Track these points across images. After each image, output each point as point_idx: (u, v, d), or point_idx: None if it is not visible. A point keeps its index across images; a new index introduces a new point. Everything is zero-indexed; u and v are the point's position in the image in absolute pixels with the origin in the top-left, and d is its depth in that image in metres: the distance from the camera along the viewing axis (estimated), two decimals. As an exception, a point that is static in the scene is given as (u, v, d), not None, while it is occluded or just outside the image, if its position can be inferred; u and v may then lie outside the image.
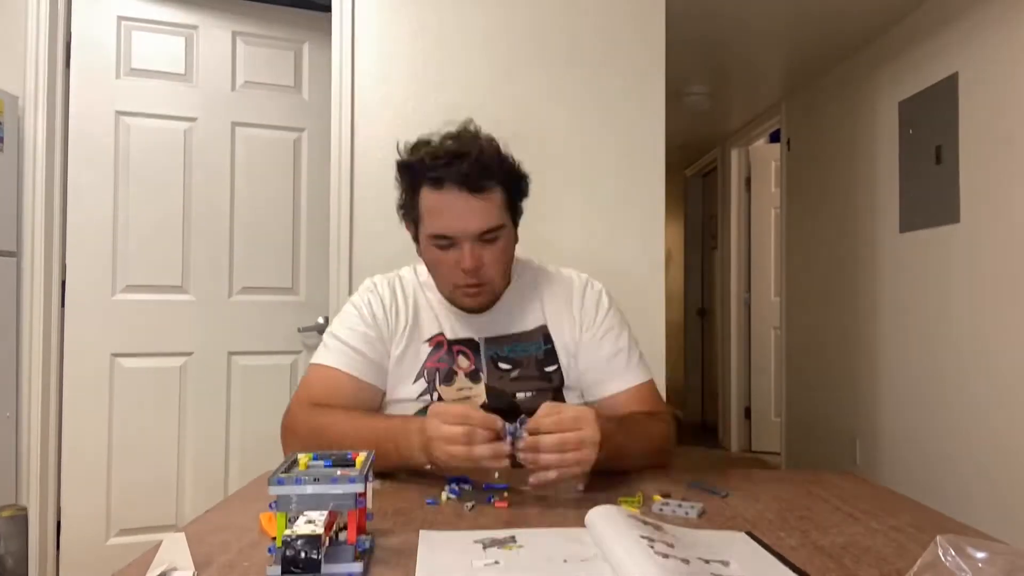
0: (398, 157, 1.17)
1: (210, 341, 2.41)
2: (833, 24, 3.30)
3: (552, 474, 0.91)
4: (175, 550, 0.72)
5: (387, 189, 2.31)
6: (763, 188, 5.08)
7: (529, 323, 1.25)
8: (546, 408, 0.95)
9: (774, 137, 4.78)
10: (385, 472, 1.05)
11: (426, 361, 1.22)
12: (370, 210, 2.25)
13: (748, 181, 5.25)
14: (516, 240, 1.23)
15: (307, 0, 2.50)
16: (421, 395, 1.20)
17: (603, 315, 1.26)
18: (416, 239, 1.20)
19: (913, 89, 3.11)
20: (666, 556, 0.63)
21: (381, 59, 2.28)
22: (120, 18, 2.34)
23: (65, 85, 2.26)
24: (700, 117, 4.64)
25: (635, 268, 2.33)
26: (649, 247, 2.36)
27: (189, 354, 2.39)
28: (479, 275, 1.14)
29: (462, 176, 1.09)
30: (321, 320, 2.42)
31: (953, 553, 0.56)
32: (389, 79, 2.28)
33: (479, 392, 1.20)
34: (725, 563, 0.68)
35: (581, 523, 0.78)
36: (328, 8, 2.27)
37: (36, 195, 2.19)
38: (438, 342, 1.22)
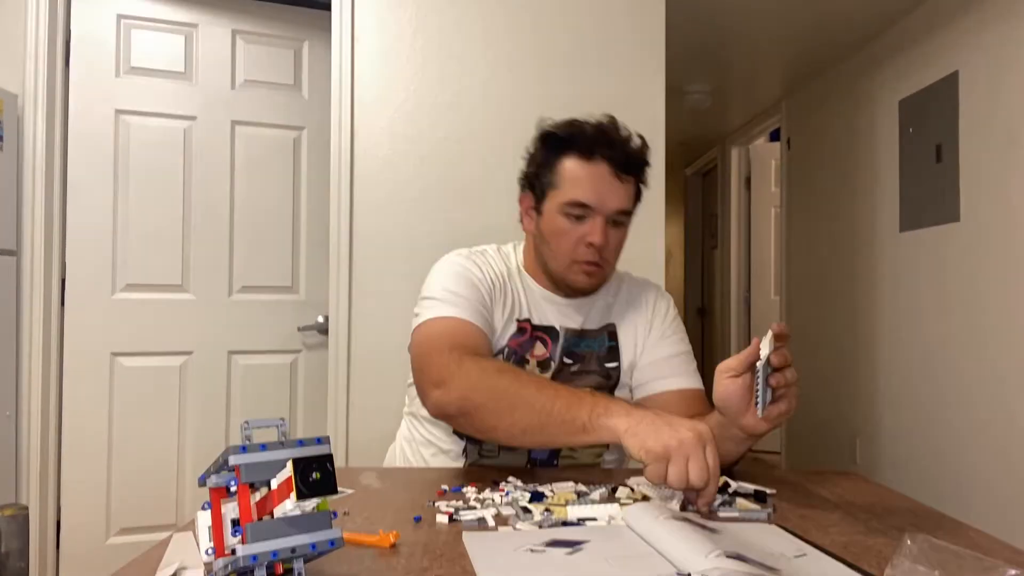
0: (544, 125, 1.22)
1: (210, 340, 2.41)
2: (833, 23, 3.30)
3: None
4: (184, 549, 0.71)
5: (387, 186, 2.32)
6: (763, 187, 5.08)
7: (600, 320, 1.28)
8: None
9: (774, 136, 4.78)
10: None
11: (510, 339, 1.22)
12: (370, 208, 2.24)
13: (748, 180, 5.25)
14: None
15: (307, -1, 2.50)
16: None
17: (671, 320, 1.31)
18: (535, 210, 1.21)
19: (913, 88, 3.11)
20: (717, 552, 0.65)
21: (381, 57, 2.28)
22: (120, 16, 2.34)
23: (65, 84, 2.25)
24: (700, 116, 4.64)
25: (635, 267, 2.31)
26: (649, 246, 2.35)
27: (189, 353, 2.39)
28: (601, 254, 1.16)
29: (614, 154, 1.14)
30: (321, 319, 2.42)
31: (920, 551, 0.56)
32: (389, 78, 2.28)
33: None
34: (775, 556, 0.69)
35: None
36: (328, 6, 2.27)
37: (36, 194, 2.18)
38: (522, 327, 1.23)
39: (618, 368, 1.26)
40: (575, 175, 1.15)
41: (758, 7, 3.14)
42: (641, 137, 1.20)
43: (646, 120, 2.37)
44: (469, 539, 0.76)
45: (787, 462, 4.38)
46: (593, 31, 2.36)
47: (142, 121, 2.36)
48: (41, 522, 2.18)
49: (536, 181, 1.21)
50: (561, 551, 0.70)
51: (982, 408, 2.66)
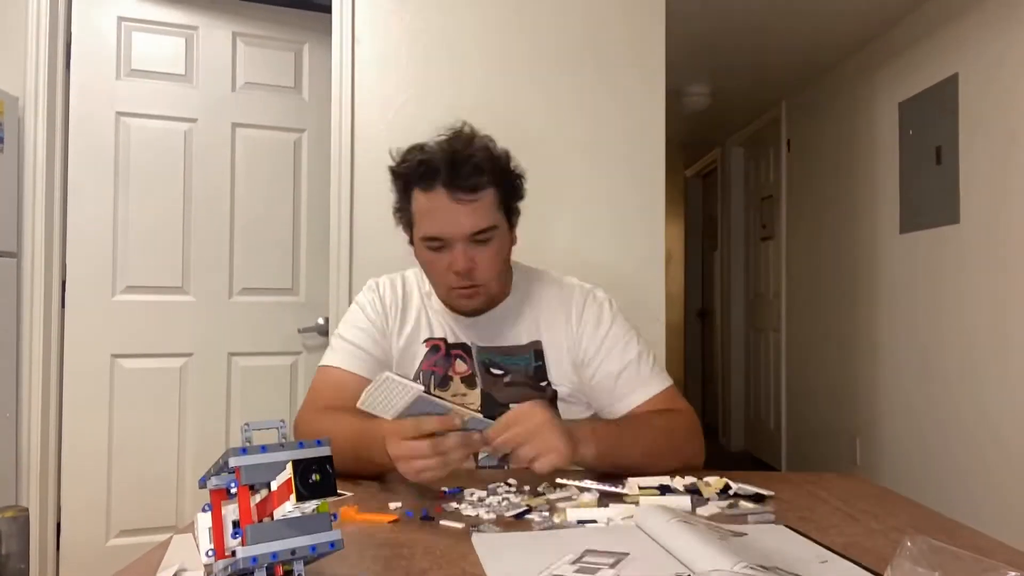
0: (391, 163, 1.16)
1: (210, 342, 2.41)
2: (833, 24, 3.31)
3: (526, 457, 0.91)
4: (184, 550, 0.72)
5: (387, 189, 2.31)
6: (763, 189, 5.09)
7: (523, 336, 1.23)
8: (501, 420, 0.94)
9: (774, 137, 4.78)
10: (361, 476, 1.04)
11: (422, 363, 1.23)
12: (370, 210, 2.24)
13: (748, 181, 5.25)
14: (513, 241, 1.21)
15: (307, 1, 2.50)
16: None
17: (605, 329, 1.21)
18: (412, 243, 1.20)
19: (913, 90, 3.11)
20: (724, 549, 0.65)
21: (381, 60, 2.28)
22: (120, 19, 2.34)
23: (65, 86, 2.26)
24: (700, 117, 4.64)
25: (635, 269, 2.33)
26: (649, 248, 2.35)
27: (189, 355, 2.39)
28: (472, 277, 1.13)
29: (450, 177, 1.08)
30: (321, 321, 2.42)
31: (920, 553, 0.57)
32: (389, 80, 2.28)
33: (474, 398, 1.20)
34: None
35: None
36: (328, 9, 2.27)
37: (36, 196, 2.18)
38: (435, 345, 1.23)
39: (549, 387, 1.21)
40: (422, 209, 1.12)
41: (758, 8, 3.14)
42: (489, 140, 1.16)
43: (646, 121, 2.38)
44: (479, 542, 0.76)
45: (787, 463, 4.38)
46: (593, 32, 2.37)
47: (142, 123, 2.36)
48: (41, 524, 2.18)
49: (402, 216, 1.19)
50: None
51: (982, 409, 2.66)
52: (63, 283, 2.26)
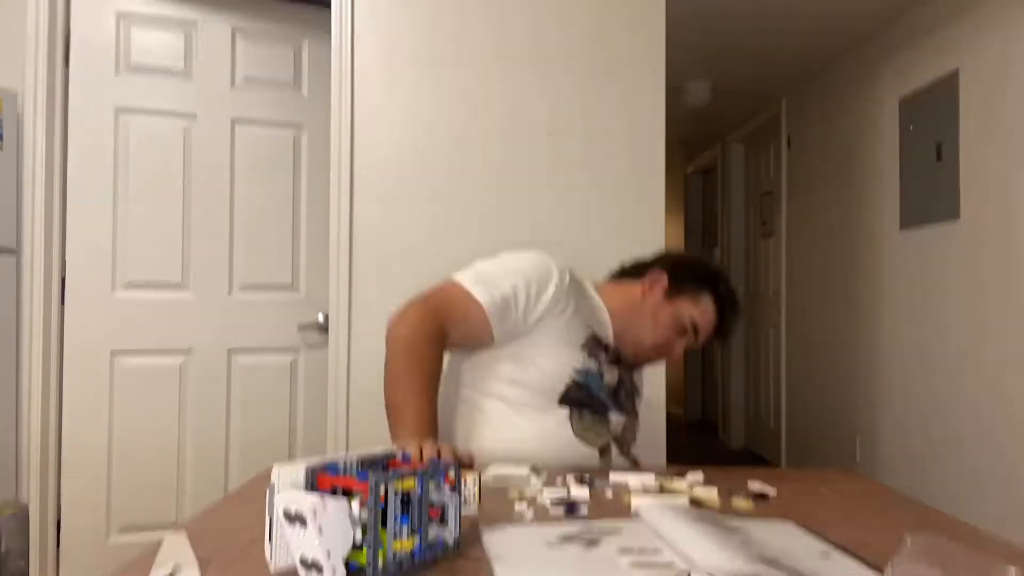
0: (711, 269, 1.46)
1: (210, 338, 2.40)
2: (834, 21, 3.30)
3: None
4: (177, 549, 0.71)
5: (387, 184, 2.32)
6: (763, 186, 5.09)
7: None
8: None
9: (775, 134, 4.78)
10: None
11: (585, 343, 1.31)
12: (370, 206, 2.24)
13: (748, 178, 5.25)
14: None
15: (307, -3, 2.49)
16: (583, 366, 1.29)
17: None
18: (665, 294, 1.37)
19: (914, 86, 3.11)
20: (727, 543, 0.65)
21: (381, 55, 2.28)
22: (119, 14, 2.33)
23: (64, 81, 2.25)
24: (700, 114, 4.64)
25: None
26: (649, 245, 2.34)
27: (189, 351, 2.39)
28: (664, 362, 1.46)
29: (728, 327, 1.42)
30: (321, 317, 2.42)
31: (920, 550, 0.57)
32: (389, 76, 2.28)
33: (614, 373, 1.36)
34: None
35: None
36: (328, 4, 2.27)
37: (36, 192, 2.18)
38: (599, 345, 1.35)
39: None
40: (706, 311, 1.37)
41: (759, 5, 3.14)
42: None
43: (646, 119, 2.38)
44: (487, 533, 0.76)
45: (787, 461, 4.38)
46: (593, 30, 2.36)
47: (142, 119, 2.35)
48: (41, 521, 2.18)
49: (683, 286, 1.37)
50: (577, 546, 0.70)
51: (982, 407, 2.66)
52: (63, 279, 2.26)
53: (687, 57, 3.66)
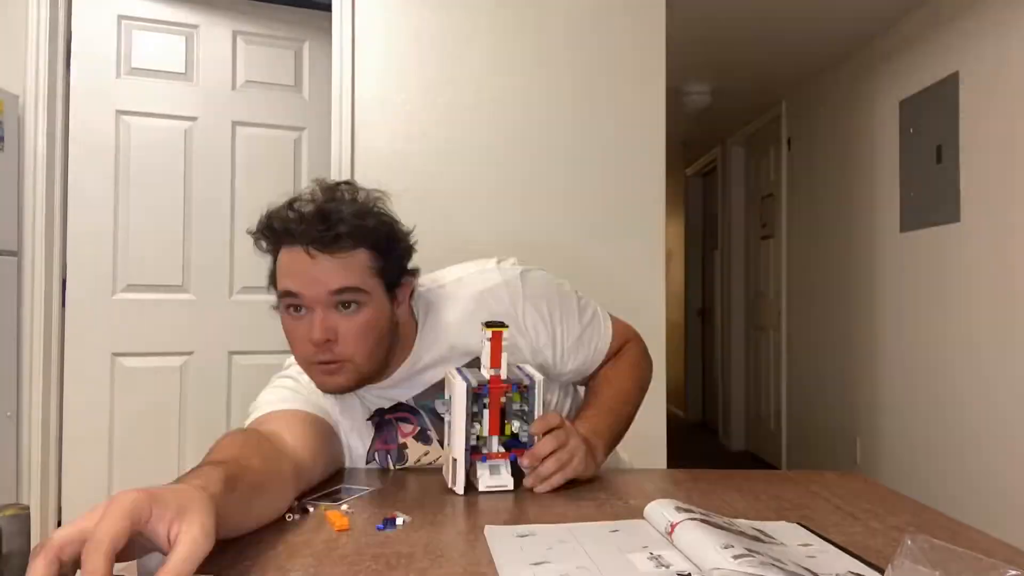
0: (261, 222, 1.03)
1: (211, 340, 2.41)
2: (834, 23, 3.30)
3: (555, 481, 0.96)
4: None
5: (387, 187, 2.31)
6: (763, 187, 5.10)
7: (450, 361, 1.08)
8: (540, 424, 0.97)
9: (775, 136, 4.78)
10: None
11: (371, 447, 1.09)
12: (370, 209, 2.24)
13: (748, 180, 5.25)
14: (392, 317, 1.03)
15: (307, -1, 2.50)
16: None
17: (535, 311, 1.10)
18: (278, 306, 1.05)
19: (913, 88, 3.11)
20: (730, 545, 0.65)
21: (381, 58, 2.28)
22: (120, 17, 2.34)
23: (65, 84, 2.26)
24: (700, 116, 4.64)
25: (635, 268, 2.33)
26: (649, 247, 2.36)
27: (189, 353, 2.39)
28: (332, 350, 0.97)
29: (313, 232, 0.95)
30: (321, 319, 2.42)
31: (920, 552, 0.57)
32: (389, 78, 2.28)
33: (439, 451, 1.08)
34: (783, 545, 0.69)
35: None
36: (328, 7, 2.27)
37: (37, 195, 2.19)
38: (376, 423, 1.09)
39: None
40: (282, 265, 1.00)
41: (759, 7, 3.14)
42: (376, 198, 1.04)
43: (646, 121, 2.38)
44: (491, 534, 0.76)
45: (788, 462, 4.38)
46: (593, 31, 2.37)
47: (143, 122, 2.36)
48: (42, 522, 2.18)
49: (271, 279, 1.06)
50: (581, 546, 0.71)
51: (982, 408, 2.66)
52: (63, 281, 2.26)
53: (687, 59, 3.66)
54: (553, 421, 0.97)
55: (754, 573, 0.60)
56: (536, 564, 0.67)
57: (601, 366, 1.20)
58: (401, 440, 1.09)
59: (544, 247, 2.20)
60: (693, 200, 6.40)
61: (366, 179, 2.33)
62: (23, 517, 0.76)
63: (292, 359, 1.09)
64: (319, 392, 1.03)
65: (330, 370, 0.99)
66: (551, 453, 0.95)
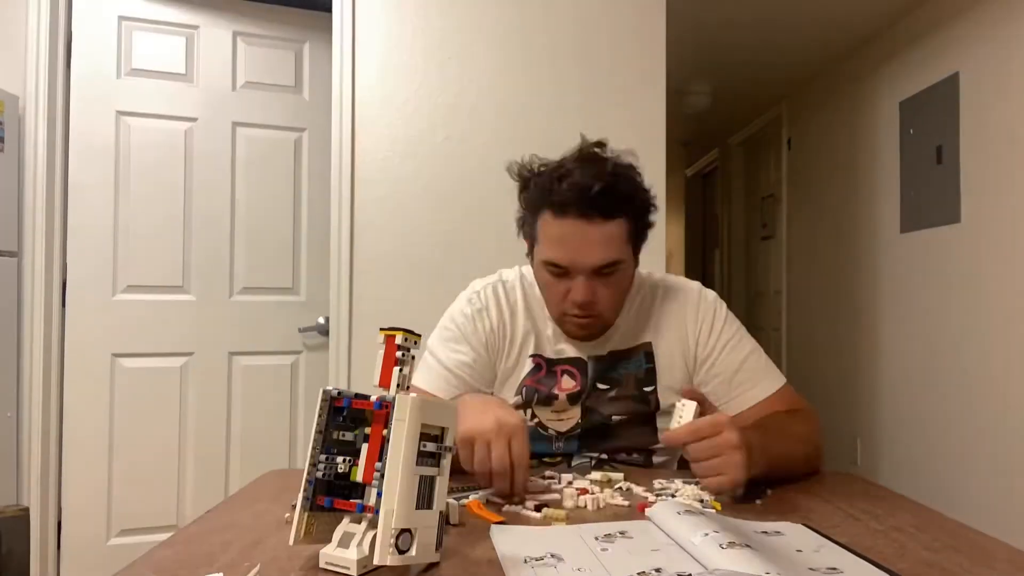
0: (523, 171, 1.12)
1: (211, 341, 2.41)
2: (834, 24, 3.30)
3: (710, 482, 0.89)
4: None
5: (388, 187, 2.32)
6: (764, 188, 5.09)
7: (635, 339, 1.20)
8: (686, 426, 0.92)
9: (775, 136, 4.78)
10: None
11: (525, 378, 1.18)
12: (370, 209, 2.25)
13: (749, 181, 5.25)
14: (633, 275, 1.19)
15: (308, 0, 2.50)
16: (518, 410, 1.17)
17: (720, 326, 1.19)
18: (530, 254, 1.16)
19: (914, 89, 3.11)
20: (733, 544, 0.65)
21: (382, 59, 2.28)
22: (121, 18, 2.34)
23: (66, 85, 2.26)
24: (700, 116, 4.64)
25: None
26: (650, 247, 2.33)
27: (190, 354, 2.39)
28: (591, 308, 1.09)
29: (587, 205, 1.03)
30: (322, 320, 2.42)
31: None
32: (390, 79, 2.28)
33: (574, 414, 1.17)
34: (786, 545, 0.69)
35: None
36: (329, 8, 2.27)
37: (37, 195, 2.19)
38: (538, 363, 1.19)
39: (655, 391, 1.17)
40: (550, 234, 1.07)
41: (759, 7, 3.14)
42: (631, 166, 1.11)
43: (646, 120, 2.38)
44: (496, 533, 0.76)
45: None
46: (593, 32, 2.37)
47: (143, 122, 2.36)
48: (42, 523, 2.18)
49: (525, 229, 1.16)
50: (585, 547, 0.71)
51: (983, 409, 2.66)
52: (64, 282, 2.26)
53: (688, 60, 3.66)
54: (704, 431, 0.90)
55: (755, 573, 0.60)
56: (541, 564, 0.67)
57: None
58: (555, 390, 1.17)
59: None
60: (693, 200, 6.40)
61: (366, 179, 2.34)
62: (23, 518, 0.76)
63: (472, 292, 1.22)
64: (493, 334, 1.18)
65: (584, 324, 1.13)
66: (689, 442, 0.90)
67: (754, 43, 3.57)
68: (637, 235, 1.13)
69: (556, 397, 1.17)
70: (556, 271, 1.09)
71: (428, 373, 1.17)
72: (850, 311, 3.67)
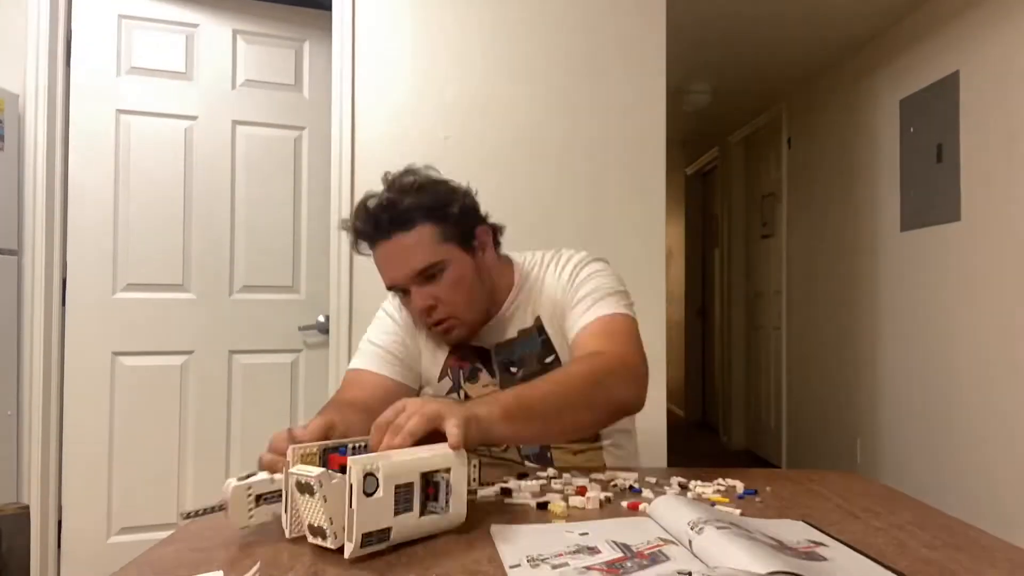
0: (343, 224, 1.23)
1: (211, 339, 2.41)
2: (834, 22, 3.30)
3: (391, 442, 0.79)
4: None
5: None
6: (764, 187, 5.09)
7: (528, 319, 1.24)
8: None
9: (775, 135, 4.78)
10: None
11: (448, 360, 1.24)
12: (371, 208, 2.24)
13: (749, 179, 5.25)
14: (476, 266, 1.17)
15: (308, -2, 2.50)
16: (448, 393, 1.24)
17: (572, 270, 1.21)
18: None
19: (914, 87, 3.11)
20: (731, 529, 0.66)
21: (382, 57, 2.28)
22: (121, 16, 2.34)
23: (66, 83, 2.26)
24: (700, 115, 4.64)
25: (636, 267, 2.33)
26: (650, 246, 2.35)
27: (190, 352, 2.39)
28: (437, 313, 1.15)
29: (378, 228, 1.12)
30: (321, 318, 2.42)
31: None
32: (390, 77, 2.28)
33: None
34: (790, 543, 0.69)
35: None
36: (329, 6, 2.27)
37: (37, 193, 2.19)
38: (452, 352, 1.25)
39: (556, 359, 1.21)
40: (377, 264, 1.17)
41: (760, 7, 3.14)
42: (416, 175, 1.14)
43: (646, 120, 2.38)
44: (497, 533, 0.76)
45: (788, 462, 4.38)
46: (593, 31, 2.36)
47: (143, 121, 2.36)
48: (42, 521, 2.18)
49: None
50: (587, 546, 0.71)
51: (983, 407, 2.66)
52: (64, 281, 2.26)
53: (688, 58, 3.66)
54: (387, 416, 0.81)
55: (756, 573, 0.60)
56: (542, 563, 0.67)
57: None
58: (478, 366, 1.23)
59: (543, 246, 2.20)
60: (693, 199, 6.40)
61: (366, 177, 2.34)
62: (23, 517, 0.76)
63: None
64: (408, 324, 1.24)
65: (444, 329, 1.17)
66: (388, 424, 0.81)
67: (754, 41, 3.57)
68: (454, 232, 1.14)
69: (480, 371, 1.23)
70: (397, 293, 1.18)
71: (362, 355, 1.25)
72: (850, 310, 3.67)
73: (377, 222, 1.11)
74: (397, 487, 0.70)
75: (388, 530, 0.70)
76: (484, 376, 1.23)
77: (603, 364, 1.04)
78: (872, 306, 3.46)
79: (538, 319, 1.23)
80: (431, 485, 0.73)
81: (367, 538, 0.68)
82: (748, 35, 3.48)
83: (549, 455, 1.23)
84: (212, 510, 0.75)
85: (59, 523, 2.24)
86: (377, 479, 0.68)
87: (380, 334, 1.26)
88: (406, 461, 0.72)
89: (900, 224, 3.21)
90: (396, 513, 0.70)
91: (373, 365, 1.22)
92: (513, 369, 1.22)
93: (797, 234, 4.34)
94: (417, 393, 1.26)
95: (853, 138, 3.66)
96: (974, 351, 2.71)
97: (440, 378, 1.25)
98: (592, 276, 1.20)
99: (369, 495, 0.68)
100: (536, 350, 1.22)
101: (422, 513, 0.73)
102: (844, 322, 3.73)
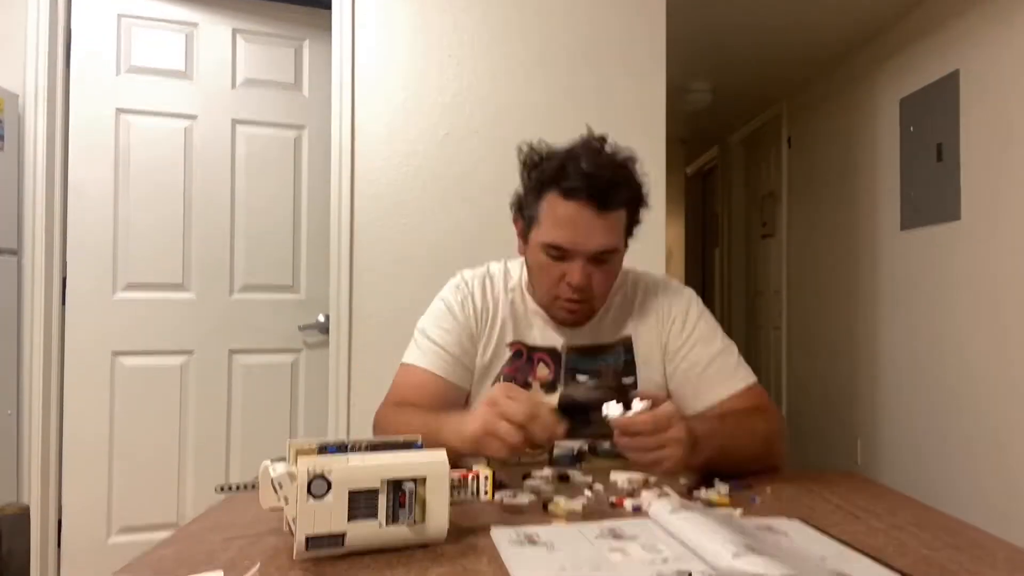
0: (532, 153, 1.17)
1: (211, 339, 2.41)
2: (834, 21, 3.30)
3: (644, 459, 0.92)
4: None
5: (387, 185, 2.32)
6: (764, 186, 5.09)
7: (615, 334, 1.23)
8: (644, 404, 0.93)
9: (775, 134, 4.78)
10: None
11: (504, 367, 1.22)
12: (370, 207, 2.24)
13: (749, 179, 5.25)
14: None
15: (307, -3, 2.50)
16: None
17: (694, 322, 1.23)
18: (523, 237, 1.19)
19: (914, 86, 3.11)
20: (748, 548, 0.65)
21: (382, 56, 2.28)
22: (120, 15, 2.33)
23: (65, 83, 2.25)
24: (700, 115, 4.63)
25: (636, 267, 2.33)
26: (650, 246, 2.35)
27: (190, 352, 2.39)
28: (585, 293, 1.13)
29: (596, 192, 1.07)
30: (321, 318, 2.42)
31: None
32: (389, 77, 2.28)
33: (551, 403, 1.19)
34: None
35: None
36: (328, 5, 2.27)
37: (36, 193, 2.18)
38: (517, 350, 1.22)
39: (635, 383, 1.21)
40: (554, 216, 1.10)
41: (760, 5, 3.13)
42: (630, 159, 1.14)
43: (646, 120, 2.38)
44: (497, 535, 0.76)
45: (788, 462, 4.37)
46: (593, 30, 2.36)
47: (143, 120, 2.36)
48: (42, 521, 2.18)
49: (524, 211, 1.18)
50: (588, 545, 0.70)
51: (984, 408, 2.66)
52: (63, 280, 2.26)
53: (688, 58, 3.65)
54: (661, 396, 0.95)
55: (758, 572, 0.60)
56: (544, 564, 0.67)
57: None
58: (530, 379, 1.20)
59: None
60: (693, 199, 6.40)
61: (366, 176, 2.34)
62: (23, 517, 0.76)
63: (460, 278, 1.27)
64: (476, 315, 1.21)
65: (574, 309, 1.16)
66: (644, 434, 0.90)
67: (754, 41, 3.57)
68: (630, 225, 1.17)
69: (530, 384, 1.20)
70: (555, 253, 1.12)
71: (421, 352, 1.21)
72: (850, 309, 3.67)
73: (596, 185, 1.07)
74: (354, 492, 0.69)
75: (342, 536, 0.68)
76: (534, 389, 1.19)
77: (775, 427, 1.15)
78: (872, 305, 3.46)
79: (628, 338, 1.23)
80: (402, 493, 0.71)
81: (315, 541, 0.67)
82: (748, 35, 3.48)
83: (580, 465, 1.20)
84: (246, 487, 0.76)
85: (59, 523, 2.24)
86: (328, 481, 0.68)
87: (442, 332, 1.21)
88: (368, 467, 0.70)
89: (900, 223, 3.20)
90: (352, 518, 0.69)
91: (435, 367, 1.19)
92: (582, 378, 1.20)
93: (797, 234, 4.34)
94: (468, 396, 1.22)
95: (853, 138, 3.65)
96: (974, 350, 2.71)
97: (494, 382, 1.21)
98: (712, 333, 1.23)
99: (318, 497, 0.67)
100: (618, 366, 1.21)
101: (391, 522, 0.71)
102: (844, 321, 3.73)
